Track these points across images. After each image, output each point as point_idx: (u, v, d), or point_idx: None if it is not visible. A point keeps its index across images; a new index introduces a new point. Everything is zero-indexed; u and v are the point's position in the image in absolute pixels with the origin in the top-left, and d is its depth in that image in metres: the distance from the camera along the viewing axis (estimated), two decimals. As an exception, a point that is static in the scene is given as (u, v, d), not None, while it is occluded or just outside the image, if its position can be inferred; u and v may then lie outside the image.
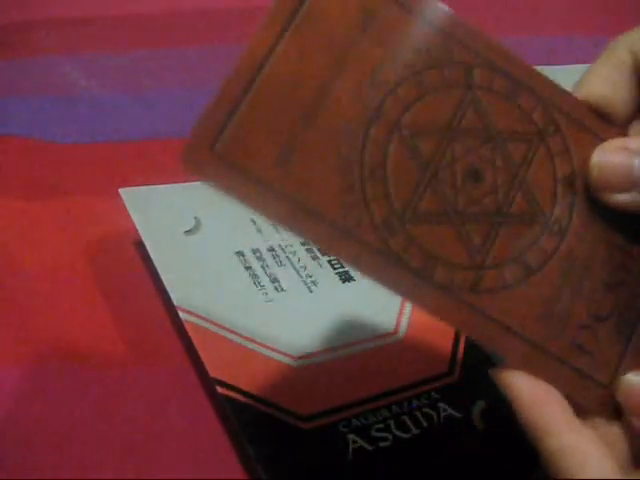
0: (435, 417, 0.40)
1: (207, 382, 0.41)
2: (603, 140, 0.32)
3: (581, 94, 0.32)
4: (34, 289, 0.46)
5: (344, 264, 0.47)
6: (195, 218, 0.48)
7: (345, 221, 0.28)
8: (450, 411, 0.41)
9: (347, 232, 0.28)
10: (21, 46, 0.66)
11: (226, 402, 0.39)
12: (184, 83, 0.63)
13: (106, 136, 0.58)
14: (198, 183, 0.53)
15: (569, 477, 0.28)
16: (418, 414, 0.40)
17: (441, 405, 0.41)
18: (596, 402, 0.31)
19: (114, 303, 0.46)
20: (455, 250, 0.30)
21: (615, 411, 0.31)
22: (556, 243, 0.31)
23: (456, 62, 0.30)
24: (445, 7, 0.31)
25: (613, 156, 0.31)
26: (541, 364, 0.30)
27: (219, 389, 0.40)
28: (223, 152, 0.27)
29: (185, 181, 0.51)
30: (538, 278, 0.31)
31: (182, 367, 0.43)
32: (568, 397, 0.31)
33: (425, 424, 0.40)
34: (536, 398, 0.30)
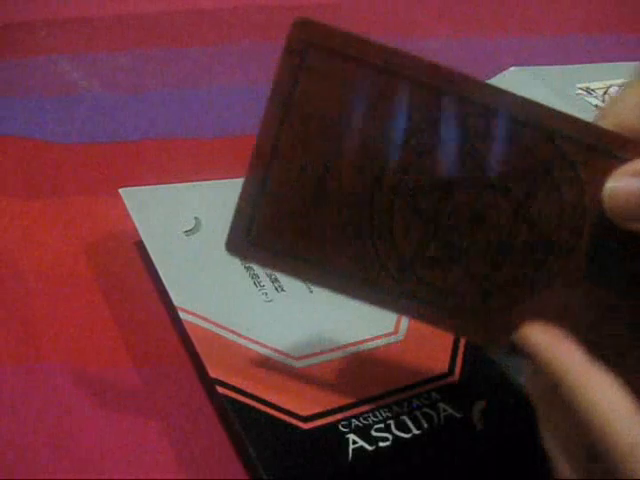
0: (435, 417, 0.40)
1: (207, 382, 0.41)
2: (621, 159, 0.31)
3: (609, 123, 0.31)
4: (34, 289, 0.46)
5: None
6: (195, 218, 0.48)
7: (366, 276, 0.32)
8: (450, 411, 0.41)
9: (366, 282, 0.32)
10: (21, 46, 0.66)
11: (226, 402, 0.39)
12: (184, 83, 0.63)
13: (106, 136, 0.58)
14: (198, 183, 0.53)
15: (586, 411, 0.28)
16: (418, 414, 0.40)
17: (441, 405, 0.41)
18: None
19: (114, 303, 0.46)
20: (463, 283, 0.32)
21: None
22: (562, 264, 0.32)
23: (450, 115, 0.31)
24: (431, 62, 0.31)
25: (628, 181, 0.30)
26: None
27: (219, 389, 0.40)
28: (256, 239, 0.32)
29: (185, 181, 0.51)
30: (544, 297, 0.32)
31: (182, 367, 0.43)
32: None
33: (425, 424, 0.40)
34: (552, 340, 0.30)
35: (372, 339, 0.44)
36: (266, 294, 0.45)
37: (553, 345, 0.30)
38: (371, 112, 0.31)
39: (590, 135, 0.31)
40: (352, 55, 0.31)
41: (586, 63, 0.64)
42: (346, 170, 0.32)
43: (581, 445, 0.29)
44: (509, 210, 0.32)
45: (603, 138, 0.31)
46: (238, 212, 0.32)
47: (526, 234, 0.32)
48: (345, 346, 0.43)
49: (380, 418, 0.40)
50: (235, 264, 0.46)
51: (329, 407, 0.40)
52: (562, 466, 0.31)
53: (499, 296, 0.32)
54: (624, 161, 0.31)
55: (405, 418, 0.40)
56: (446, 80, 0.31)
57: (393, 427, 0.40)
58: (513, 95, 0.31)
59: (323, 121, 0.31)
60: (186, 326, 0.42)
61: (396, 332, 0.44)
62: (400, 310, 0.33)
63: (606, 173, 0.31)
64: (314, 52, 0.31)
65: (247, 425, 0.38)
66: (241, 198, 0.32)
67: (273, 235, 0.32)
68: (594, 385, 0.29)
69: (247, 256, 0.33)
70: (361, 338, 0.43)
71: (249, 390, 0.40)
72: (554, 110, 0.32)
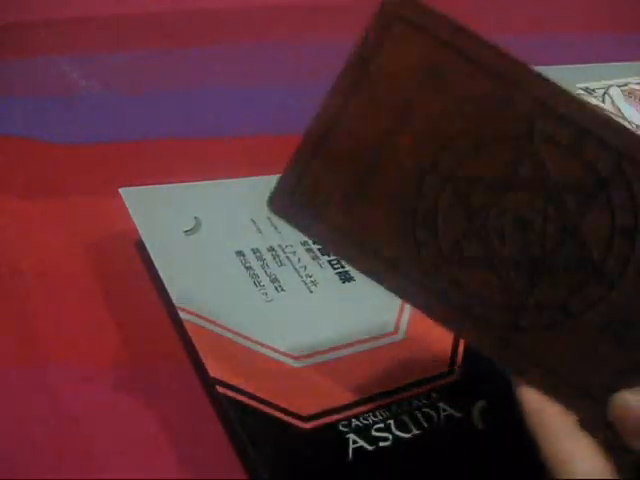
0: (435, 417, 0.40)
1: (207, 382, 0.41)
2: None
3: None
4: (34, 289, 0.46)
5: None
6: (195, 218, 0.48)
7: (397, 259, 0.32)
8: (450, 411, 0.41)
9: (397, 268, 0.32)
10: (21, 46, 0.66)
11: (226, 402, 0.39)
12: (184, 83, 0.63)
13: (106, 136, 0.58)
14: (198, 183, 0.53)
15: (563, 477, 0.29)
16: (418, 414, 0.40)
17: (441, 405, 0.41)
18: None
19: (114, 303, 0.46)
20: (496, 292, 0.31)
21: None
22: (602, 293, 0.31)
23: (518, 113, 0.31)
24: (512, 55, 0.31)
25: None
26: (565, 396, 0.31)
27: (219, 389, 0.40)
28: (300, 199, 0.32)
29: (185, 181, 0.51)
30: (577, 323, 0.31)
31: (182, 367, 0.43)
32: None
33: (425, 424, 0.40)
34: (542, 405, 0.31)
35: (372, 339, 0.44)
36: (266, 294, 0.45)
37: (543, 410, 0.31)
38: (442, 95, 0.31)
39: None
40: (435, 34, 0.31)
41: (586, 63, 0.64)
42: (404, 146, 0.31)
43: None
44: (557, 222, 0.31)
45: None
46: (289, 169, 0.32)
47: (570, 252, 0.31)
48: (345, 346, 0.43)
49: (380, 418, 0.40)
50: (235, 264, 0.46)
51: (329, 407, 0.40)
52: None
53: (529, 316, 0.31)
54: None
55: (405, 418, 0.40)
56: (523, 76, 0.30)
57: (393, 427, 0.40)
58: (587, 105, 0.31)
59: (394, 92, 0.31)
60: (186, 326, 0.42)
61: (396, 332, 0.44)
62: (425, 308, 0.32)
63: None
64: (401, 24, 0.31)
65: (247, 425, 0.38)
66: (295, 154, 0.32)
67: (317, 201, 0.32)
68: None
69: (287, 216, 0.33)
70: (361, 338, 0.43)
71: (249, 390, 0.40)
72: (623, 127, 0.31)
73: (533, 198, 0.31)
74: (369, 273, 0.32)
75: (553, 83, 0.31)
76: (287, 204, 0.33)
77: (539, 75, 0.31)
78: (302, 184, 0.32)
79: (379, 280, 0.32)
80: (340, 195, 0.32)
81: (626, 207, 0.31)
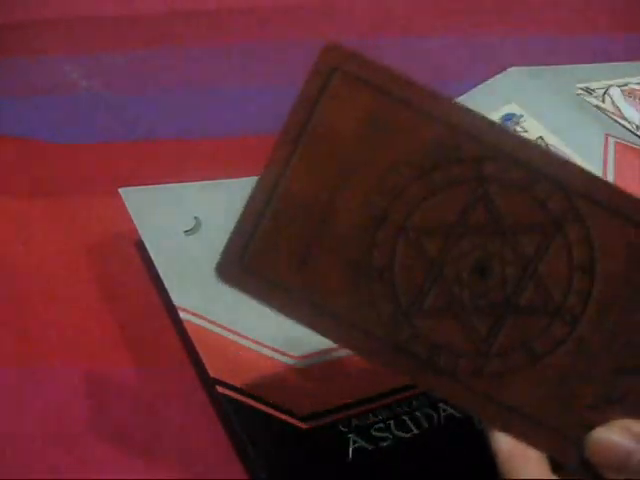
0: (435, 417, 0.40)
1: (207, 382, 0.41)
2: (635, 223, 0.30)
3: None
4: (34, 289, 0.46)
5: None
6: (195, 218, 0.48)
7: (356, 318, 0.31)
8: (450, 411, 0.41)
9: (358, 327, 0.31)
10: (21, 46, 0.66)
11: (226, 402, 0.39)
12: (184, 83, 0.63)
13: (106, 136, 0.58)
14: (198, 183, 0.53)
15: None
16: (418, 414, 0.40)
17: (441, 405, 0.41)
18: None
19: (114, 303, 0.46)
20: (460, 340, 0.31)
21: None
22: (566, 331, 0.31)
23: (466, 157, 0.30)
24: (454, 100, 0.31)
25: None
26: (539, 438, 0.31)
27: (219, 389, 0.40)
28: (249, 265, 0.31)
29: (185, 181, 0.51)
30: (543, 364, 0.31)
31: (182, 367, 0.43)
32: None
33: (425, 424, 0.40)
34: (516, 452, 0.31)
35: (372, 339, 0.44)
36: (266, 294, 0.45)
37: (516, 456, 0.31)
38: (387, 145, 0.30)
39: (607, 195, 0.30)
40: (376, 85, 0.30)
41: (586, 63, 0.64)
42: (353, 202, 0.31)
43: None
44: (516, 265, 0.30)
45: (620, 200, 0.30)
46: (234, 234, 0.31)
47: (531, 294, 0.30)
48: (345, 346, 0.43)
49: (380, 418, 0.40)
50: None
51: (329, 407, 0.40)
52: None
53: (495, 362, 0.31)
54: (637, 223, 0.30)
55: (405, 418, 0.40)
56: (467, 121, 0.30)
57: (393, 427, 0.40)
58: (535, 145, 0.30)
59: (337, 148, 0.31)
60: (186, 326, 0.42)
61: (396, 332, 0.44)
62: (389, 364, 0.31)
63: (620, 238, 0.30)
64: (339, 77, 0.30)
65: (247, 425, 0.38)
66: (240, 219, 0.31)
67: (267, 263, 0.31)
68: None
69: (238, 282, 0.31)
70: (361, 338, 0.43)
71: (249, 390, 0.40)
72: (572, 164, 0.31)
73: (489, 242, 0.31)
74: (329, 335, 0.31)
75: (498, 124, 0.31)
76: (237, 271, 0.31)
77: (483, 118, 0.31)
78: (250, 249, 0.31)
79: (340, 341, 0.32)
80: (292, 257, 0.31)
81: (582, 243, 0.30)
